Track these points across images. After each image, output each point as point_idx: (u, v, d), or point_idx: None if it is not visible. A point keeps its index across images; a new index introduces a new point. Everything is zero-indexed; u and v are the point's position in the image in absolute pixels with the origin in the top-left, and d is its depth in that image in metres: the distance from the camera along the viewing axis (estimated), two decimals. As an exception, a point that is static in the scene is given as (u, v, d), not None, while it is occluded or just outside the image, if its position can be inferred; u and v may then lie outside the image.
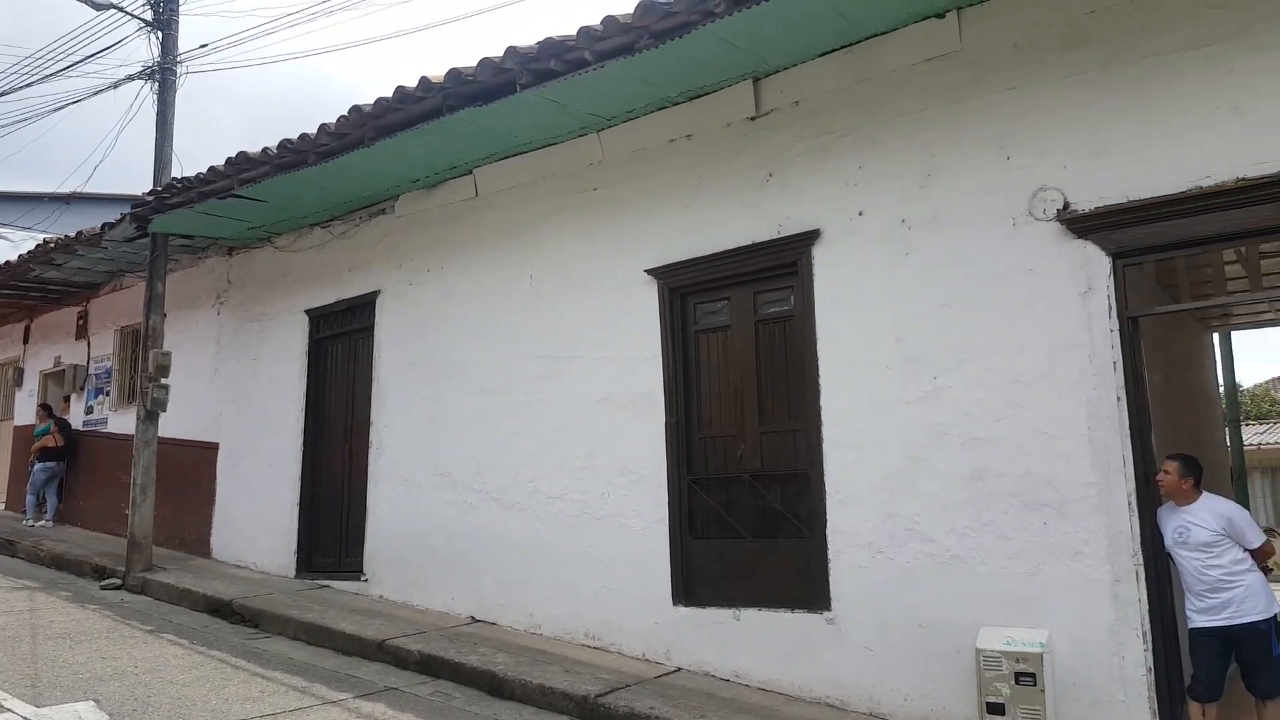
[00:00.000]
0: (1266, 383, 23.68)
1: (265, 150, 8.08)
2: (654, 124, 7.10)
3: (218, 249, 11.04)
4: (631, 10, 5.78)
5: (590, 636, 6.98)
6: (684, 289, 6.95)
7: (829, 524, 5.96)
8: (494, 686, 6.05)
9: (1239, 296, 5.69)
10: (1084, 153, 5.27)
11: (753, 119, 6.66)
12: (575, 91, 6.58)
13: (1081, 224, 5.20)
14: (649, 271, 7.03)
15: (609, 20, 5.89)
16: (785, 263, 6.39)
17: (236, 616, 7.93)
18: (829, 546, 5.94)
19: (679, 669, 6.40)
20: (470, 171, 8.26)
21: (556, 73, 6.30)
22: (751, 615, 6.24)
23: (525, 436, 7.65)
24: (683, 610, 6.57)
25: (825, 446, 6.03)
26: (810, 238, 6.26)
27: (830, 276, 6.17)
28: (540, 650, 6.72)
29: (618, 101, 6.86)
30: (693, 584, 6.59)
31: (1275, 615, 4.83)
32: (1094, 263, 5.18)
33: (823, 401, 6.07)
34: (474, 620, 7.63)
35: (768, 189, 6.53)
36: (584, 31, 5.99)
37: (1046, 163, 5.39)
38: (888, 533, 5.72)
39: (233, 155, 8.30)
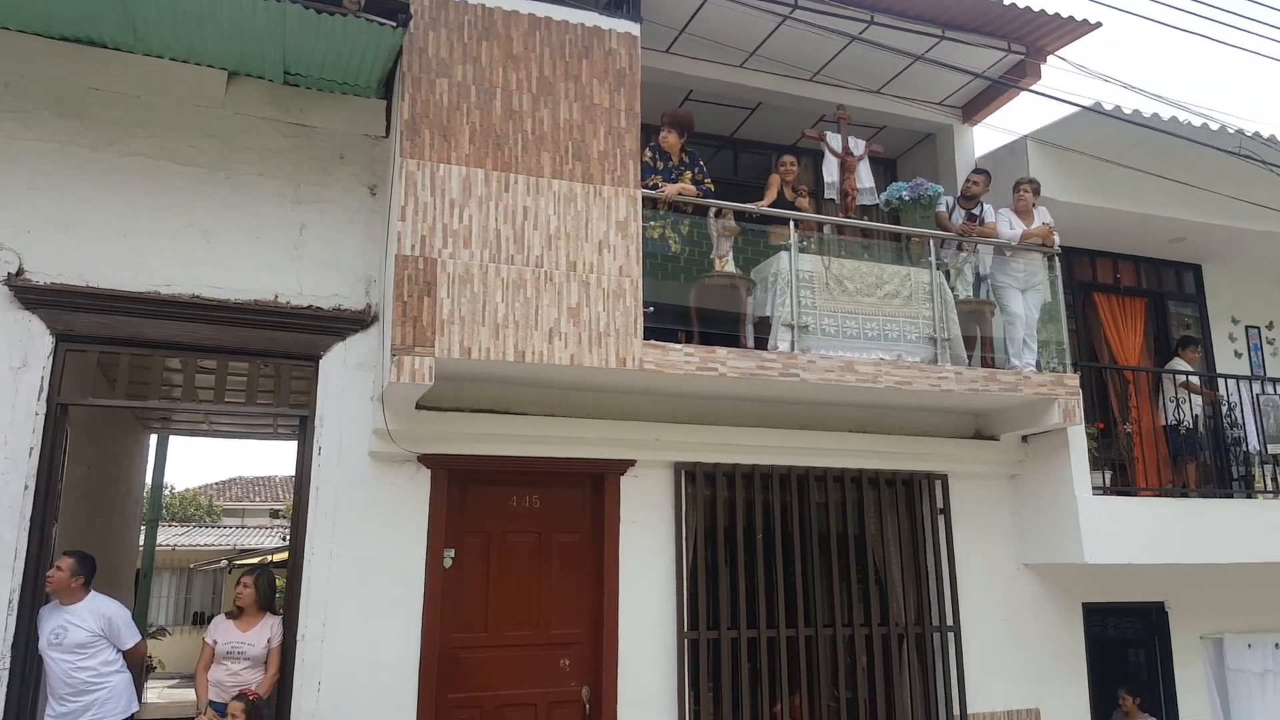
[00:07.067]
0: (197, 488, 25.50)
1: None
2: None
3: None
4: None
5: None
6: None
7: None
8: None
9: (177, 403, 5.99)
10: (53, 224, 4.97)
11: None
12: None
13: (32, 295, 4.81)
14: None
15: None
16: None
17: None
18: None
19: None
20: None
21: None
22: None
23: None
24: None
25: None
26: None
27: None
28: None
29: None
30: None
31: (132, 715, 4.92)
32: (36, 339, 4.82)
33: None
34: None
35: None
36: None
37: (8, 220, 4.89)
38: None
39: None
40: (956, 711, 6.21)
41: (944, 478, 6.58)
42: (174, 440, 10.69)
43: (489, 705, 5.40)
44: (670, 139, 5.97)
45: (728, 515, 6.05)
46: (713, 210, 5.91)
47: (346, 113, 5.68)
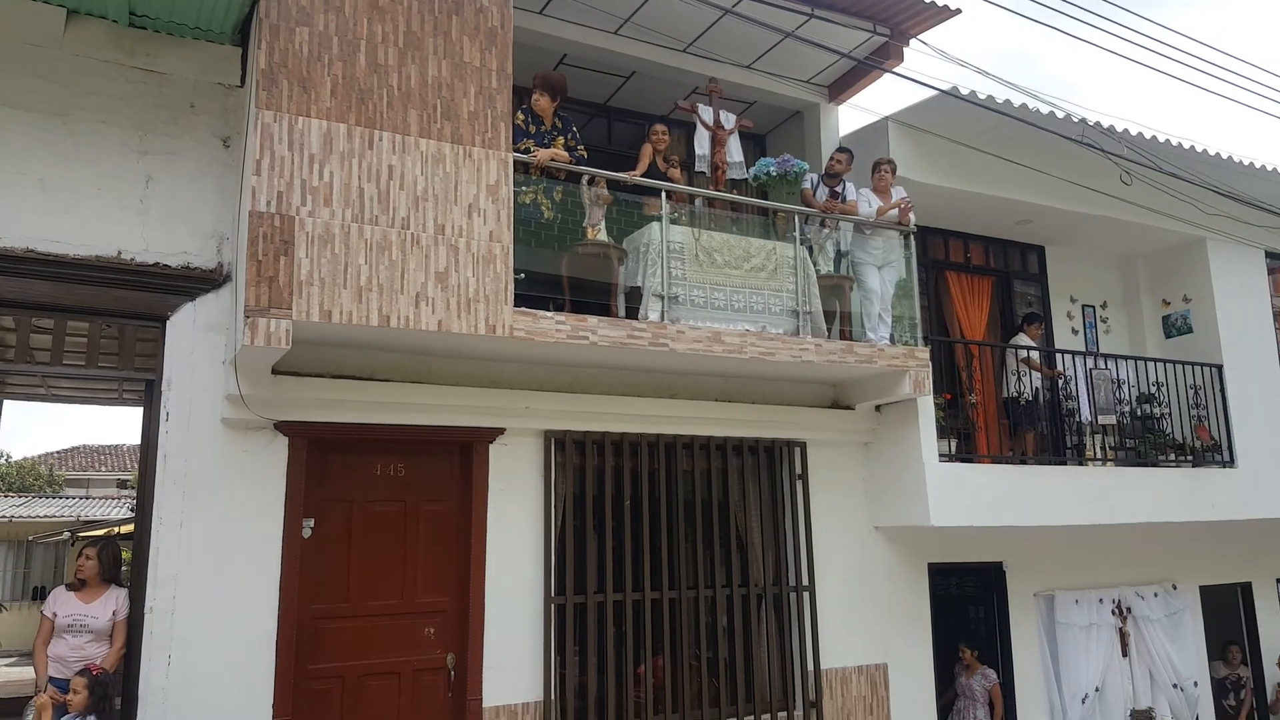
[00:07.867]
0: (36, 456, 23.81)
1: None
2: None
3: None
4: None
5: None
6: None
7: None
8: None
9: (11, 365, 5.56)
10: None
11: None
12: None
13: None
14: None
15: None
16: None
17: None
18: None
19: None
20: None
21: None
22: None
23: None
24: None
25: None
26: None
27: None
28: None
29: None
30: None
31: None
32: None
33: None
34: None
35: None
36: None
37: None
38: None
39: None
40: (811, 667, 6.52)
41: (802, 445, 6.84)
42: (9, 405, 9.93)
43: (350, 675, 5.31)
44: (543, 102, 5.90)
45: (596, 482, 6.12)
46: (585, 178, 5.90)
47: (198, 59, 5.35)
